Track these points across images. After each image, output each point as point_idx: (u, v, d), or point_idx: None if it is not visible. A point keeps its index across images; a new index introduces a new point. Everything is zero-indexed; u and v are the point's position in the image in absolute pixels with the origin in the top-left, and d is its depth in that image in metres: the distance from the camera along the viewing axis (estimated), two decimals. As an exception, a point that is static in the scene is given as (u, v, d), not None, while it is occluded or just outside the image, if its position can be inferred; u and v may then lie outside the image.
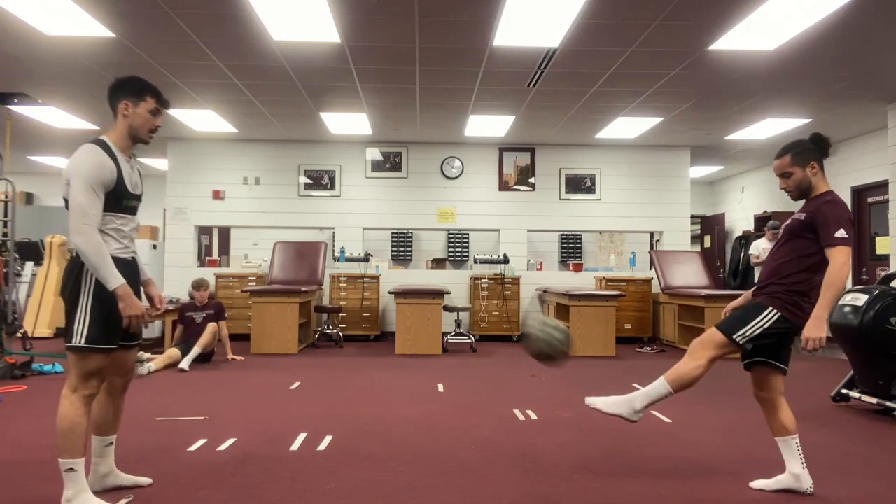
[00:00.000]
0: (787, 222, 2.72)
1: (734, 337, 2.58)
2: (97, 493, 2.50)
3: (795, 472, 2.69)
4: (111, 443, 2.64)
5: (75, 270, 2.43)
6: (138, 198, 2.60)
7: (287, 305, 6.97)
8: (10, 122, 7.48)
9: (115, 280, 2.36)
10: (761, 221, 9.68)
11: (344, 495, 2.66)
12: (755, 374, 2.75)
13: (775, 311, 2.58)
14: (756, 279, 6.23)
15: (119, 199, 2.46)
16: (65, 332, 2.44)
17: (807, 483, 2.67)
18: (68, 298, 2.43)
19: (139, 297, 2.56)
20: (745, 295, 2.92)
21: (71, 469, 2.36)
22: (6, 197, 6.12)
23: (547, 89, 6.45)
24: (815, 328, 2.45)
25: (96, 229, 2.36)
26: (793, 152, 2.70)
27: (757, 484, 2.76)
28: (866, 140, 8.24)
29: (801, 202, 2.79)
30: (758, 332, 2.58)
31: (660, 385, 2.64)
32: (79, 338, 2.38)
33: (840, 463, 3.20)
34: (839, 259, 2.48)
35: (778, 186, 2.79)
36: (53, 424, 2.43)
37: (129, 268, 2.52)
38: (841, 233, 2.50)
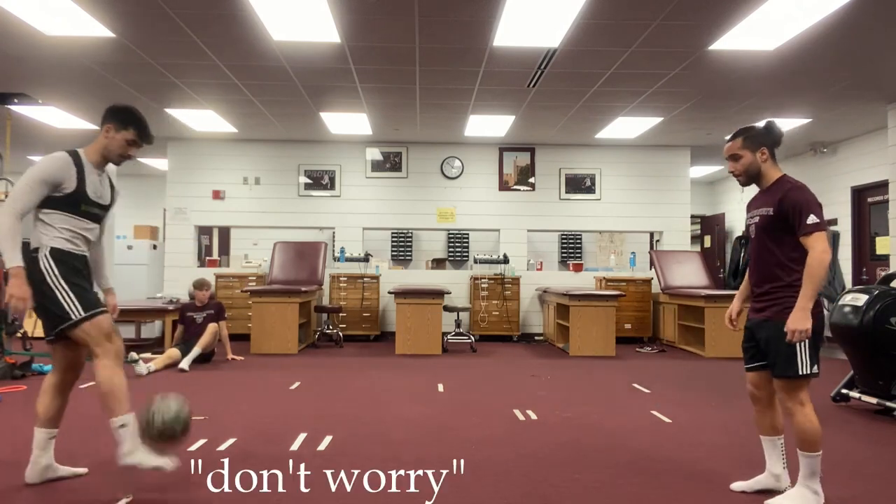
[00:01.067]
0: (755, 220, 2.65)
1: (804, 373, 2.49)
2: (35, 486, 2.69)
3: (776, 472, 2.70)
4: (54, 436, 2.76)
5: (34, 264, 2.59)
6: (102, 207, 2.81)
7: (287, 305, 6.97)
8: (10, 122, 7.48)
9: (13, 260, 2.50)
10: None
11: (344, 495, 2.66)
12: (756, 376, 2.72)
13: None
14: None
15: (76, 203, 2.67)
16: (49, 321, 2.60)
17: (785, 483, 2.68)
18: (39, 291, 2.57)
19: (86, 281, 2.73)
20: (740, 297, 2.87)
21: (123, 426, 2.55)
22: (6, 197, 6.12)
23: (547, 89, 6.45)
24: (800, 319, 2.40)
25: (17, 215, 2.53)
26: (744, 136, 2.66)
27: (737, 486, 2.76)
28: (866, 140, 8.24)
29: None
30: (810, 347, 2.48)
31: (806, 459, 2.52)
32: (76, 312, 2.57)
33: (840, 463, 3.20)
34: (818, 246, 2.43)
35: (728, 169, 2.76)
36: (99, 395, 2.59)
37: (79, 262, 2.70)
38: (812, 219, 2.45)
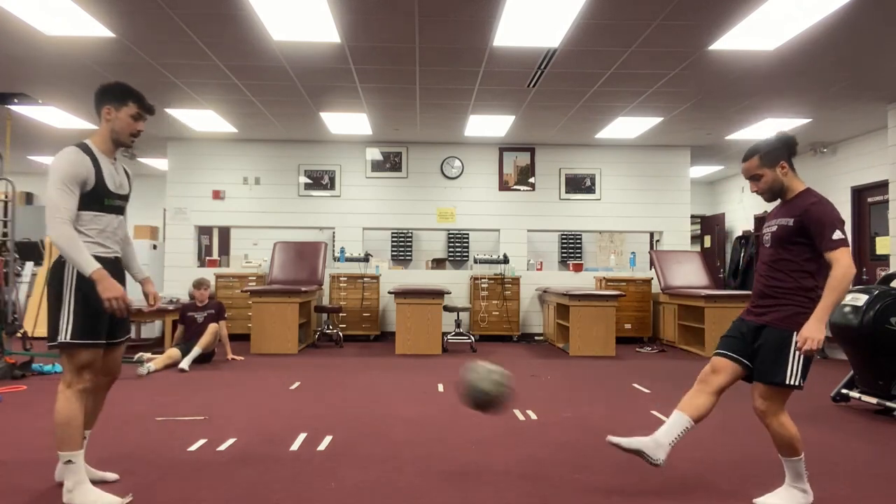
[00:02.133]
0: (772, 229, 2.60)
1: (789, 383, 2.45)
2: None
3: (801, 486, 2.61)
4: (86, 437, 2.69)
5: (58, 270, 2.52)
6: (123, 198, 2.69)
7: (287, 305, 6.97)
8: (10, 122, 7.48)
9: (89, 266, 2.42)
10: (761, 221, 9.68)
11: (344, 495, 2.66)
12: (725, 363, 2.64)
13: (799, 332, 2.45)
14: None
15: (100, 198, 2.55)
16: (49, 331, 2.52)
17: (810, 498, 2.58)
18: (52, 297, 2.52)
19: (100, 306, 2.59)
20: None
21: (70, 461, 2.46)
22: (6, 197, 6.12)
23: (547, 89, 6.46)
24: (816, 329, 2.37)
25: (68, 222, 2.43)
26: (760, 153, 2.60)
27: (760, 501, 2.62)
28: (866, 140, 8.24)
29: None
30: (804, 362, 2.46)
31: (789, 463, 2.52)
32: (64, 334, 2.47)
33: (840, 463, 3.20)
34: (843, 262, 2.38)
35: (750, 189, 2.70)
36: (53, 424, 2.48)
37: (110, 266, 2.57)
38: (837, 234, 2.41)
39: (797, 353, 2.44)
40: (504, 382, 2.85)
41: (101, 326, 2.54)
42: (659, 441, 2.60)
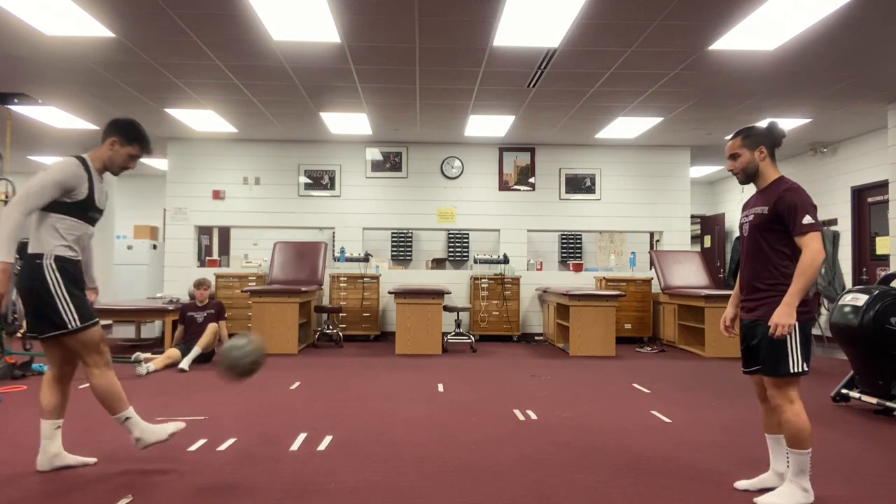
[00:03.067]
0: (749, 219, 2.67)
1: (795, 371, 2.51)
2: (46, 472, 2.85)
3: (780, 470, 2.71)
4: (59, 426, 2.90)
5: (37, 270, 2.72)
6: (101, 212, 2.97)
7: (287, 305, 6.97)
8: (10, 122, 7.48)
9: (6, 256, 2.58)
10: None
11: (344, 495, 2.66)
12: (758, 377, 2.71)
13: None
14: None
15: (87, 210, 2.84)
16: (46, 326, 2.72)
17: (810, 497, 2.60)
18: (41, 294, 2.71)
19: (82, 291, 2.89)
20: (732, 302, 2.87)
21: (127, 418, 2.83)
22: (6, 197, 6.12)
23: (547, 89, 6.46)
24: (785, 314, 2.43)
25: (25, 213, 2.63)
26: (744, 135, 2.69)
27: (741, 484, 2.77)
28: (866, 140, 8.24)
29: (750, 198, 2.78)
30: (801, 346, 2.51)
31: (796, 456, 2.53)
32: (73, 322, 2.73)
33: (840, 463, 3.20)
34: (813, 246, 2.46)
35: (727, 168, 2.79)
36: (98, 400, 2.80)
37: (76, 267, 2.85)
38: (808, 219, 2.48)
39: (795, 340, 2.50)
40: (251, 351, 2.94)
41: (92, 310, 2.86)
42: (778, 470, 2.71)
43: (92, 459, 3.00)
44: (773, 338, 2.49)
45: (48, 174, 2.69)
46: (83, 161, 2.83)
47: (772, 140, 2.68)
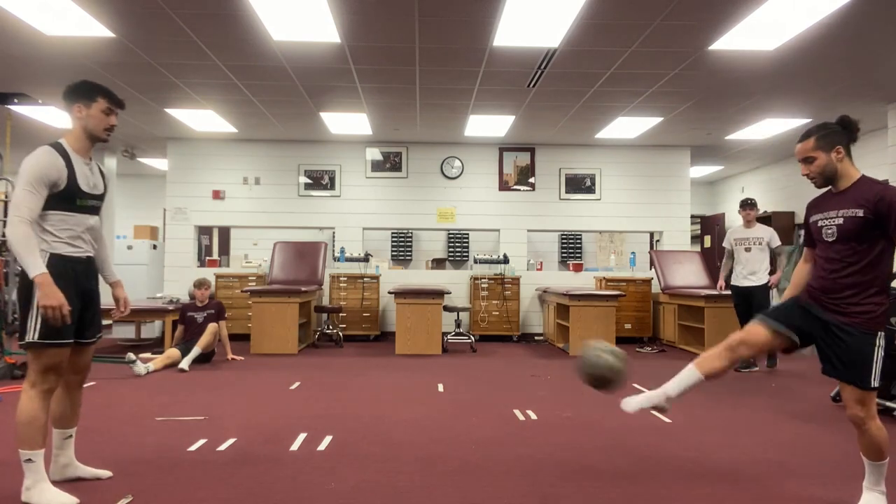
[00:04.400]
0: (838, 222, 2.43)
1: (874, 385, 2.37)
2: (58, 483, 2.65)
3: (671, 394, 2.64)
4: (70, 435, 2.74)
5: (25, 272, 2.49)
6: (97, 197, 2.69)
7: (287, 305, 6.97)
8: (10, 122, 7.48)
9: (35, 269, 2.41)
10: (762, 222, 9.67)
11: (344, 495, 2.66)
12: (767, 334, 2.56)
13: (880, 332, 2.39)
14: (736, 272, 6.13)
15: (71, 198, 2.56)
16: (19, 331, 2.53)
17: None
18: (22, 297, 2.51)
19: (97, 296, 2.72)
20: (794, 286, 2.67)
21: (30, 460, 2.49)
22: (6, 197, 6.12)
23: (547, 89, 6.46)
24: None
25: (27, 222, 2.43)
26: (817, 135, 2.47)
27: (630, 403, 2.71)
28: (866, 140, 8.24)
29: (819, 197, 2.60)
30: (883, 360, 2.37)
31: (877, 466, 2.43)
32: (32, 334, 2.47)
33: (840, 463, 3.20)
34: None
35: (801, 172, 2.56)
36: (53, 426, 2.51)
37: (81, 265, 2.61)
38: None
39: (877, 353, 2.37)
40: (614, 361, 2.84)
41: (68, 327, 2.52)
42: (669, 394, 2.63)
43: (106, 473, 2.82)
44: (863, 348, 2.37)
45: (27, 175, 2.45)
46: (57, 146, 2.57)
47: (848, 137, 2.48)
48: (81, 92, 2.68)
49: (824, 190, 2.58)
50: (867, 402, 2.39)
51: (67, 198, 2.54)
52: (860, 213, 2.37)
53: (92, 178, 2.66)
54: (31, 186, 2.45)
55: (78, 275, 2.59)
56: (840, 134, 2.48)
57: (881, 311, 2.38)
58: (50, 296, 2.41)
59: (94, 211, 2.68)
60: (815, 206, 2.60)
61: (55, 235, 2.53)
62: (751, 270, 6.11)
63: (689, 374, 2.61)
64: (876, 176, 8.15)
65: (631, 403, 2.66)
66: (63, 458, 2.74)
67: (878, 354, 2.37)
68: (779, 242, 6.20)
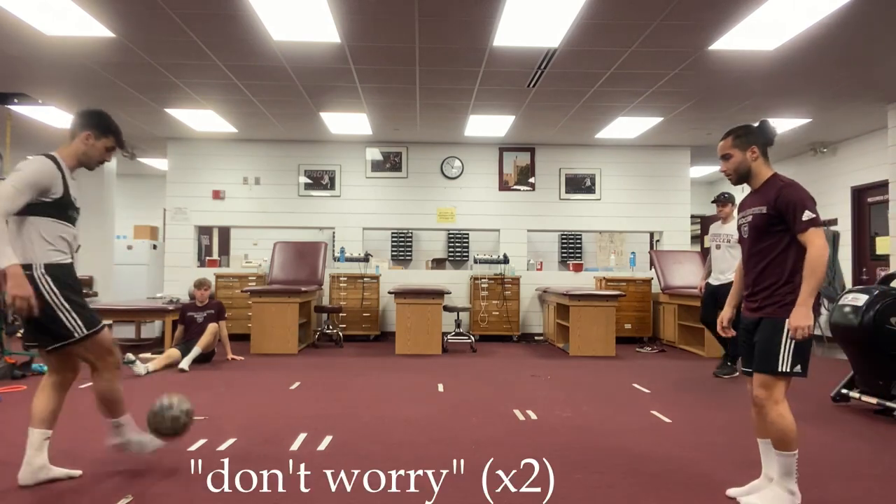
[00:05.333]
0: (748, 219, 2.63)
1: (781, 370, 2.47)
2: (29, 487, 2.66)
3: (771, 475, 2.65)
4: (48, 437, 2.75)
5: (30, 283, 2.53)
6: (79, 211, 2.83)
7: (287, 305, 6.97)
8: (10, 121, 7.47)
9: (7, 259, 2.45)
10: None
11: (344, 495, 2.65)
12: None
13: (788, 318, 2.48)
14: (715, 270, 6.07)
15: (65, 209, 2.69)
16: (50, 337, 2.62)
17: (797, 500, 2.58)
18: (53, 298, 2.59)
19: (81, 296, 2.75)
20: (730, 303, 2.88)
21: (122, 424, 2.86)
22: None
23: (547, 89, 6.45)
24: (803, 316, 2.40)
25: (3, 217, 2.46)
26: (735, 135, 2.66)
27: (732, 492, 2.71)
28: (866, 140, 8.24)
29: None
30: (795, 346, 2.47)
31: (781, 458, 2.51)
32: (80, 330, 2.63)
33: (840, 463, 3.20)
34: (817, 242, 2.42)
35: (720, 169, 2.78)
36: (102, 401, 2.79)
37: (69, 270, 2.71)
38: (808, 215, 2.44)
39: (788, 340, 2.46)
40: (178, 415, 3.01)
41: (95, 312, 2.76)
42: (769, 475, 2.64)
43: (77, 472, 2.84)
44: (769, 335, 2.50)
45: (21, 175, 2.53)
46: (53, 158, 2.67)
47: (764, 139, 2.66)
48: (97, 123, 2.80)
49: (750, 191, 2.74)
50: (771, 386, 2.51)
51: (61, 207, 2.67)
52: (764, 209, 2.55)
53: (77, 193, 2.80)
54: (23, 187, 2.52)
55: (68, 278, 2.70)
56: (757, 135, 2.66)
57: (790, 299, 2.48)
58: (21, 286, 2.46)
59: (75, 223, 2.80)
60: (739, 208, 2.78)
61: (49, 243, 2.62)
62: (720, 269, 5.99)
63: (762, 446, 2.70)
64: (876, 176, 8.19)
65: (737, 493, 2.70)
66: (39, 459, 2.71)
67: (787, 340, 2.47)
68: None
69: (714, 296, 5.93)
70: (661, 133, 8.31)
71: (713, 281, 6.07)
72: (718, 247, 6.07)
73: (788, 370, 2.47)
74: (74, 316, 2.62)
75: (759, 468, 2.83)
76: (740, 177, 2.69)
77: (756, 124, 2.69)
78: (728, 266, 5.94)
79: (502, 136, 8.62)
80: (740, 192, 2.74)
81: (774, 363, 2.48)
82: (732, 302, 2.88)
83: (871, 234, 8.26)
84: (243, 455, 3.20)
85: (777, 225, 2.53)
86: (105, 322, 2.79)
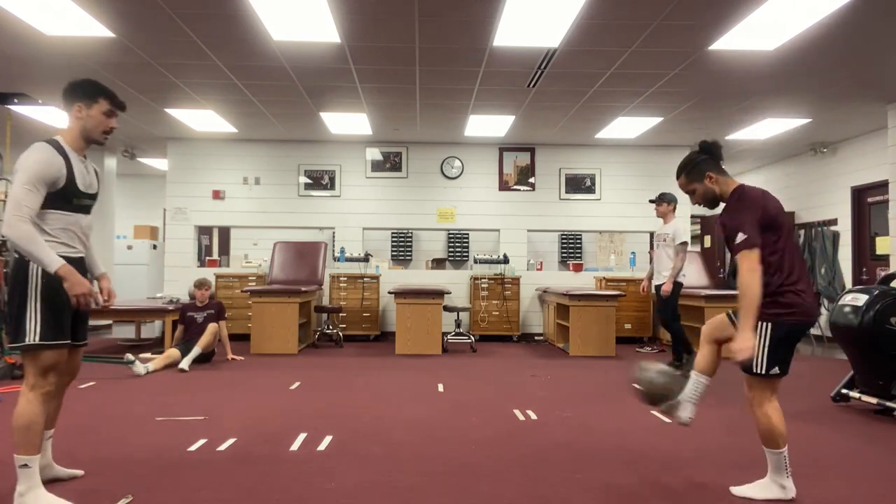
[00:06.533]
0: (723, 233, 2.69)
1: (756, 372, 2.54)
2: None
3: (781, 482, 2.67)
4: (49, 437, 2.71)
5: (21, 270, 2.44)
6: (91, 197, 2.65)
7: (287, 305, 6.97)
8: (10, 122, 7.48)
9: (53, 262, 2.37)
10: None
11: (344, 495, 2.66)
12: (723, 322, 2.80)
13: (763, 322, 2.53)
14: (655, 270, 6.14)
15: (69, 198, 2.51)
16: (13, 333, 2.45)
17: (791, 493, 2.63)
18: (16, 299, 2.44)
19: (62, 305, 2.54)
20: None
21: (26, 465, 2.41)
22: (5, 197, 6.12)
23: (547, 89, 6.46)
24: (742, 339, 2.43)
25: (28, 220, 2.36)
26: (685, 172, 2.74)
27: (737, 490, 2.72)
28: (866, 140, 8.24)
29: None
30: (769, 350, 2.52)
31: (770, 454, 2.58)
32: (32, 336, 2.42)
33: (840, 463, 3.20)
34: (743, 266, 2.46)
35: (692, 202, 2.83)
36: (12, 427, 2.45)
37: (76, 266, 2.52)
38: (740, 237, 2.48)
39: (764, 343, 2.52)
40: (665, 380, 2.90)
41: (66, 327, 2.50)
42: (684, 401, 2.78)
43: (79, 472, 2.82)
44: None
45: (28, 173, 2.38)
46: (55, 143, 2.51)
47: (712, 160, 2.72)
48: (83, 91, 2.60)
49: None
50: (752, 386, 2.60)
51: (65, 197, 2.49)
52: (723, 228, 2.65)
53: (88, 177, 2.62)
54: (31, 184, 2.38)
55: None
56: (705, 161, 2.72)
57: (764, 301, 2.51)
58: (78, 284, 2.39)
59: (88, 210, 2.65)
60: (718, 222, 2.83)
61: (51, 235, 2.48)
62: (657, 269, 6.11)
63: (773, 457, 2.69)
64: (876, 176, 8.19)
65: (743, 491, 2.74)
66: (41, 459, 2.64)
67: (764, 343, 2.53)
68: (683, 238, 5.95)
69: (658, 296, 6.06)
70: (661, 133, 8.31)
71: (657, 280, 6.14)
72: (657, 246, 6.18)
73: (764, 372, 2.55)
74: (37, 321, 2.42)
75: (759, 468, 2.83)
76: (712, 202, 2.75)
77: (695, 152, 2.76)
78: (664, 266, 6.03)
79: (502, 136, 8.62)
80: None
81: (751, 366, 2.55)
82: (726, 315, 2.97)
83: (871, 234, 8.26)
84: (243, 455, 3.20)
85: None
86: (63, 343, 2.48)
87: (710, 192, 2.71)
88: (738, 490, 2.67)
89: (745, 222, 2.50)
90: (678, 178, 2.77)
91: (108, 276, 2.88)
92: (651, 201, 6.36)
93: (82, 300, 2.41)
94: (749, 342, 2.44)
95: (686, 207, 9.25)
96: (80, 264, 2.62)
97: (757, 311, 2.45)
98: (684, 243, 5.96)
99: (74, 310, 2.52)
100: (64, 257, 2.46)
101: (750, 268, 2.45)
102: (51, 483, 2.69)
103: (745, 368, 2.57)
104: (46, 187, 2.43)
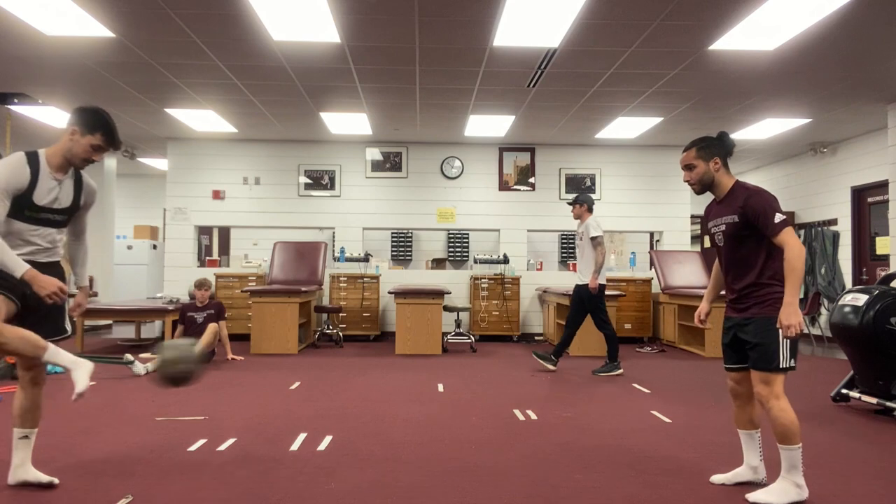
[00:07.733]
0: (722, 228, 2.72)
1: (783, 367, 2.56)
2: (32, 486, 2.63)
3: (753, 464, 2.79)
4: (27, 436, 2.66)
5: None
6: (58, 212, 2.63)
7: (287, 305, 6.97)
8: (10, 122, 7.48)
9: (19, 267, 2.40)
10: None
11: (344, 495, 2.66)
12: (738, 375, 2.80)
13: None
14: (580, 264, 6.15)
15: (20, 208, 2.51)
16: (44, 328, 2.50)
17: (762, 475, 2.78)
18: None
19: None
20: (707, 299, 3.00)
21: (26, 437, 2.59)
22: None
23: (547, 89, 6.46)
24: (792, 314, 2.46)
25: None
26: (698, 146, 2.77)
27: (717, 478, 2.84)
28: (866, 140, 8.24)
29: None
30: (791, 343, 2.56)
31: (786, 452, 2.58)
32: None
33: (840, 463, 3.20)
34: (790, 242, 2.51)
35: (683, 179, 2.88)
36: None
37: (47, 271, 2.52)
38: (778, 217, 2.54)
39: (784, 337, 2.53)
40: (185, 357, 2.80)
41: (16, 289, 2.46)
42: (752, 464, 2.80)
43: (55, 479, 2.69)
44: (764, 334, 2.57)
45: None
46: (31, 155, 2.54)
47: (725, 150, 2.76)
48: (86, 118, 2.61)
49: (712, 198, 2.85)
50: (771, 382, 2.58)
51: (18, 207, 2.50)
52: (735, 218, 2.65)
53: (57, 192, 2.61)
54: (1, 194, 2.43)
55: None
56: (718, 147, 2.77)
57: (775, 297, 2.58)
58: (45, 285, 2.41)
59: (50, 223, 2.61)
60: (707, 216, 2.88)
61: (21, 241, 2.52)
62: (578, 270, 6.15)
63: (743, 437, 2.84)
64: (876, 176, 8.20)
65: (722, 479, 2.86)
66: (16, 458, 2.65)
67: (783, 337, 2.54)
68: (596, 233, 5.87)
69: (577, 296, 6.08)
70: (661, 133, 8.31)
71: (578, 282, 6.14)
72: (577, 247, 6.24)
73: (788, 365, 2.57)
74: None
75: (765, 468, 2.83)
76: (704, 186, 2.79)
77: (716, 136, 2.80)
78: (584, 264, 6.09)
79: (502, 136, 8.62)
80: (702, 201, 2.78)
81: (775, 360, 2.56)
82: (709, 298, 3.01)
83: (871, 234, 8.26)
84: (243, 455, 3.20)
85: (749, 231, 2.63)
86: (10, 296, 2.45)
87: (708, 176, 2.75)
88: (753, 496, 2.61)
89: (775, 203, 2.58)
90: (688, 149, 2.80)
91: (86, 293, 2.89)
92: (568, 203, 6.40)
93: (54, 298, 2.44)
94: (798, 316, 2.46)
95: (686, 207, 9.27)
96: (53, 268, 2.62)
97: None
98: (594, 238, 5.91)
99: (50, 305, 2.51)
100: (31, 262, 2.48)
101: (797, 242, 2.51)
102: (20, 487, 2.64)
103: (762, 366, 2.57)
104: (11, 197, 2.46)
